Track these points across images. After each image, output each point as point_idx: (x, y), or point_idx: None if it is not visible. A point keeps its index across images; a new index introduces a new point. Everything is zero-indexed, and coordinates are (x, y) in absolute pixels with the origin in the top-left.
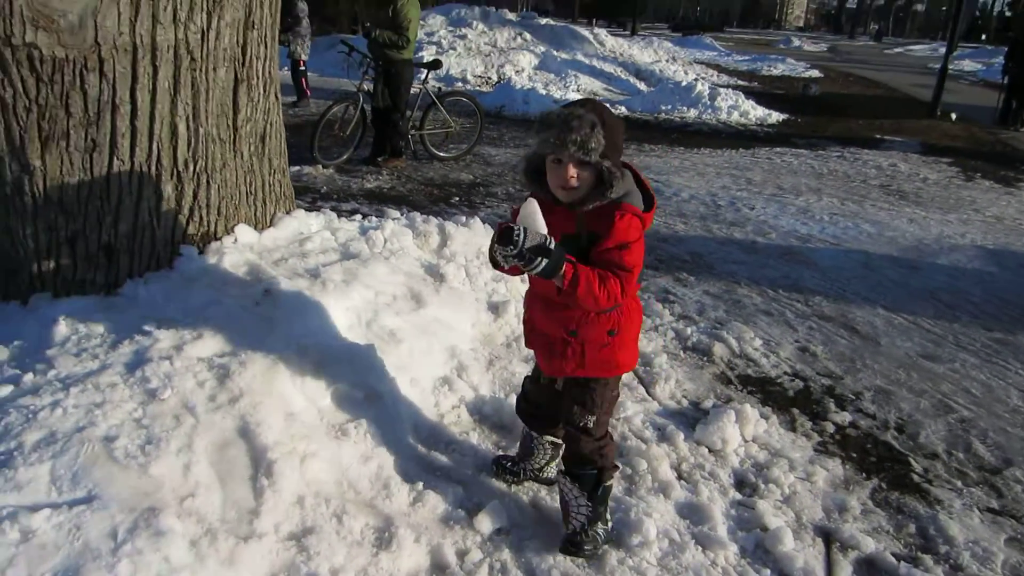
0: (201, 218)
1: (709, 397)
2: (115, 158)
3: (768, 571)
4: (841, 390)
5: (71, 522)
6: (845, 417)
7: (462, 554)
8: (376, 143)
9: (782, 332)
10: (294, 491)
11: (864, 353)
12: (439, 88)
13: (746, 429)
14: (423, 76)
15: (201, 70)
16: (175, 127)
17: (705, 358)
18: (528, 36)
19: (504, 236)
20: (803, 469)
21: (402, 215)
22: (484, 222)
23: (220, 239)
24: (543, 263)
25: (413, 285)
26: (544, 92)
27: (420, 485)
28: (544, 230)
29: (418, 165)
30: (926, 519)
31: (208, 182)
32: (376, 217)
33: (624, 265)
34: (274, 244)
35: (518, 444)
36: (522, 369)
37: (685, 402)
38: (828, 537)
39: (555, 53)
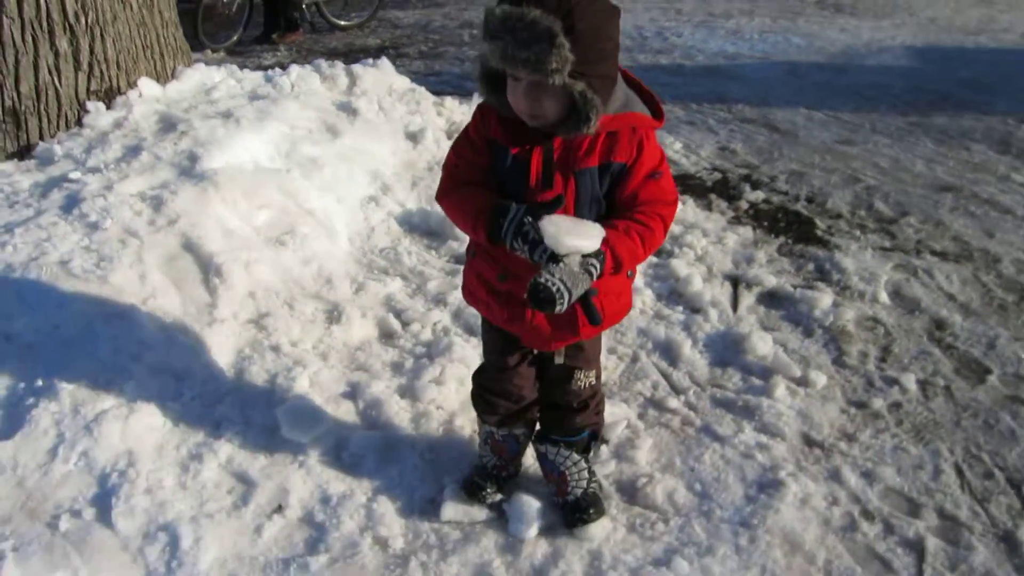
0: (102, 73)
1: None
2: (3, 16)
3: (680, 307)
4: (757, 176)
5: (49, 324)
6: (759, 195)
7: (407, 323)
8: (268, 18)
9: (703, 136)
10: (244, 287)
11: (782, 145)
12: None
13: None
14: None
15: None
16: None
17: None
18: None
19: (545, 302)
20: (716, 235)
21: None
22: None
23: (125, 93)
24: (595, 276)
25: (327, 119)
26: None
27: (360, 277)
28: (583, 245)
29: (318, 37)
30: (823, 259)
31: (102, 35)
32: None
33: (667, 197)
34: (180, 96)
35: (486, 460)
36: None
37: None
38: (735, 280)
39: None
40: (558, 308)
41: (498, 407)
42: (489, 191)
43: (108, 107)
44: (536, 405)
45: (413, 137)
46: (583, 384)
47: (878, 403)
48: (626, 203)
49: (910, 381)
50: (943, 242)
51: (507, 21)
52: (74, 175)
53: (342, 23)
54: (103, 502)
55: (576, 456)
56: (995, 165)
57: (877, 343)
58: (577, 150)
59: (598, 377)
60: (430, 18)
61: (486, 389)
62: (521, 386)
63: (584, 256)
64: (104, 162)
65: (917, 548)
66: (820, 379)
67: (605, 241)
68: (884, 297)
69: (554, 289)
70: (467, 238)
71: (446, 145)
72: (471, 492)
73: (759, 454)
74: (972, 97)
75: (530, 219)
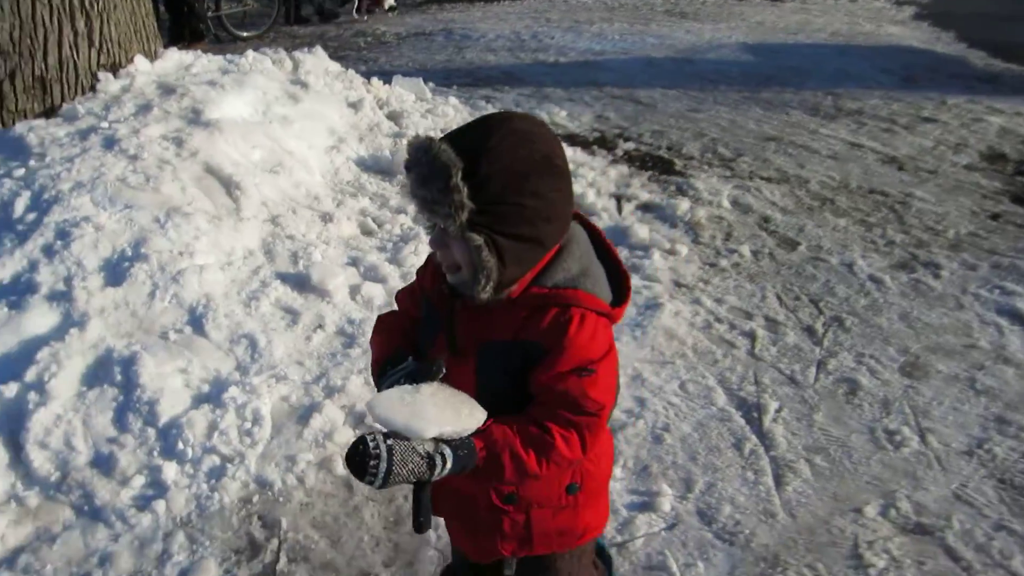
0: (108, 50)
1: None
2: (38, 2)
3: None
4: (628, 134)
5: (125, 219)
6: (630, 146)
7: (381, 224)
8: (173, 28)
9: (582, 108)
10: (258, 199)
11: (645, 113)
12: None
13: None
14: None
15: None
16: None
17: None
18: None
19: (355, 467)
20: (601, 170)
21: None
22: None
23: (126, 67)
24: (445, 468)
25: (287, 89)
26: None
27: (339, 197)
28: (430, 430)
29: (221, 47)
30: (681, 183)
31: (109, 19)
32: None
33: (584, 406)
34: (166, 71)
35: None
36: (388, 143)
37: None
38: (618, 197)
39: None
40: (367, 481)
41: None
42: (400, 339)
43: (115, 77)
44: None
45: (353, 106)
46: None
47: (724, 263)
48: (539, 395)
49: (745, 250)
50: (768, 171)
51: (415, 153)
52: (103, 125)
53: (243, 34)
54: (196, 324)
55: None
56: (807, 123)
57: (722, 230)
58: (488, 316)
59: None
60: (324, 30)
61: None
62: None
63: (439, 440)
64: (122, 116)
65: (751, 335)
66: (683, 250)
67: (484, 436)
68: (726, 203)
69: (371, 457)
70: None
71: (380, 112)
72: None
73: (644, 291)
74: (791, 78)
75: (406, 383)
